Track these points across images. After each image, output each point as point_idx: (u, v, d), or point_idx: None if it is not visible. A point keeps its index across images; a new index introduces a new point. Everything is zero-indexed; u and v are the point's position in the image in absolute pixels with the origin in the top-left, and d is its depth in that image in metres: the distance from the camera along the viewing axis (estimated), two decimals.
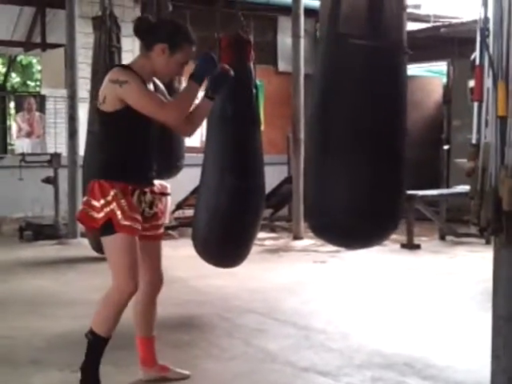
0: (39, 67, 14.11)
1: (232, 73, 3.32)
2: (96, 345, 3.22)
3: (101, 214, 3.12)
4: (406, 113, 3.42)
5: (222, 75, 3.29)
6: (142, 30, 3.25)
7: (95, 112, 3.28)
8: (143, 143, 3.26)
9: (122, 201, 3.13)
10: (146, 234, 3.29)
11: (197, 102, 3.31)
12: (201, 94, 3.27)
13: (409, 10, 4.45)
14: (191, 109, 3.25)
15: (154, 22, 3.31)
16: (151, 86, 3.26)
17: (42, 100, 9.94)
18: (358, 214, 3.30)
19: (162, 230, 3.44)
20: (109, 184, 3.14)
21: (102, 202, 3.12)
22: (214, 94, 3.30)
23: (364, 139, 3.27)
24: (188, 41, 3.22)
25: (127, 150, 3.22)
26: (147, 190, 3.28)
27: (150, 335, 3.47)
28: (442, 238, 8.42)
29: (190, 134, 3.50)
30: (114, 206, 3.12)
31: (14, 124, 10.29)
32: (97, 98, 3.24)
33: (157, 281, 3.44)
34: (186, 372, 3.56)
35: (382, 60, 3.28)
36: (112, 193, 3.12)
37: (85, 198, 3.22)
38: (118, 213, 3.11)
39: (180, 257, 6.28)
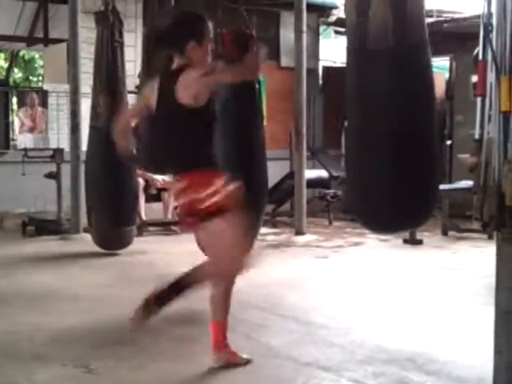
0: (41, 62, 14.09)
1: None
2: (181, 288, 3.41)
3: (212, 201, 3.25)
4: (435, 110, 3.51)
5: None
6: (162, 39, 3.44)
7: (176, 110, 3.35)
8: (211, 132, 3.45)
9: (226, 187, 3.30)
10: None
11: None
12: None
13: None
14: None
15: (167, 26, 3.41)
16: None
17: (44, 95, 9.93)
18: (397, 205, 3.40)
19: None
20: (211, 171, 3.31)
21: (210, 190, 3.26)
22: None
23: (399, 140, 3.34)
24: (206, 24, 3.38)
25: (209, 140, 3.41)
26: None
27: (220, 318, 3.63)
28: (445, 233, 8.41)
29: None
30: (222, 192, 3.27)
31: (16, 119, 10.29)
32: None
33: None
34: (248, 357, 3.69)
35: (412, 65, 3.33)
36: (219, 182, 3.28)
37: (187, 194, 3.32)
38: (229, 194, 3.29)
39: (182, 252, 6.28)
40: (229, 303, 3.62)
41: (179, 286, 3.41)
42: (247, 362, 3.66)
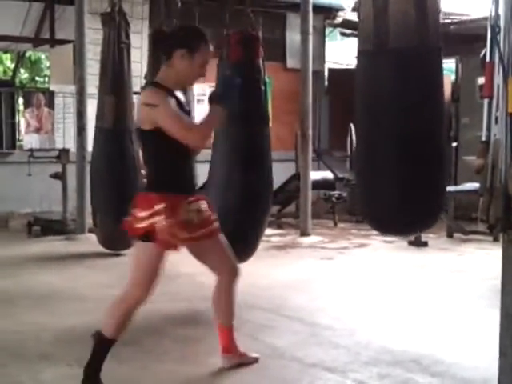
0: (48, 63, 14.13)
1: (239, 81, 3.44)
2: (101, 346, 3.28)
3: (143, 224, 3.19)
4: (444, 113, 3.51)
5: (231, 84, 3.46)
6: (158, 41, 3.40)
7: (136, 132, 3.38)
8: (184, 155, 3.32)
9: (169, 215, 3.18)
10: (200, 232, 3.35)
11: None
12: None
13: None
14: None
15: (168, 31, 3.44)
16: (179, 94, 3.33)
17: (50, 96, 9.95)
18: (404, 208, 3.41)
19: (216, 225, 3.47)
20: (158, 197, 3.20)
21: (148, 213, 3.19)
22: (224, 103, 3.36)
23: (410, 142, 3.33)
24: (204, 41, 3.30)
25: (172, 163, 3.30)
26: (193, 198, 3.35)
27: (229, 324, 3.61)
28: (450, 235, 8.40)
29: (202, 145, 3.40)
30: (158, 218, 3.17)
31: (22, 120, 10.31)
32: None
33: (230, 271, 3.53)
34: (257, 355, 3.74)
35: (427, 66, 3.31)
36: (160, 206, 3.18)
37: (133, 210, 3.27)
38: (162, 226, 3.16)
39: (187, 252, 6.28)
40: (228, 307, 3.59)
41: (102, 342, 3.29)
42: (256, 359, 3.72)
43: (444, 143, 3.52)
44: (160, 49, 3.38)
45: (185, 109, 3.37)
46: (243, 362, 3.67)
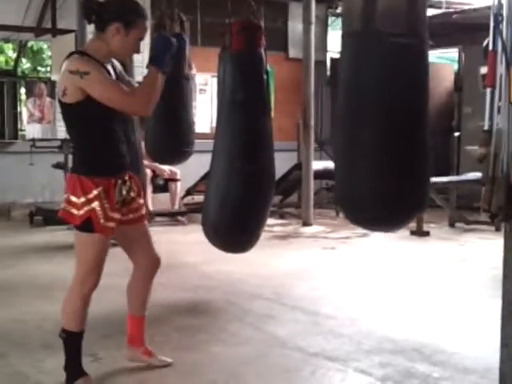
0: (50, 53, 14.10)
1: (173, 40, 3.15)
2: (71, 341, 3.22)
3: (81, 212, 3.06)
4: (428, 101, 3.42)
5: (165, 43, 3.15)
6: (90, 12, 3.07)
7: (59, 105, 3.13)
8: (112, 130, 3.15)
9: (105, 201, 3.07)
10: (129, 217, 3.25)
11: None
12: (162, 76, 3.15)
13: None
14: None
15: (101, 1, 3.13)
16: (110, 68, 3.14)
17: (52, 85, 9.94)
18: (385, 199, 3.33)
19: (143, 211, 3.36)
20: (91, 181, 3.05)
21: (83, 199, 3.05)
22: (162, 64, 3.13)
23: (394, 132, 3.26)
24: (141, 16, 3.11)
25: (104, 140, 3.13)
26: (126, 177, 3.22)
27: (140, 314, 3.47)
28: (452, 225, 8.40)
29: (146, 111, 3.24)
30: (95, 204, 3.05)
31: (24, 109, 10.31)
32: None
33: (151, 262, 3.40)
34: (169, 360, 3.53)
35: (415, 55, 3.25)
36: (95, 192, 3.05)
37: (65, 196, 3.13)
38: (100, 213, 3.06)
39: (189, 242, 6.31)
40: (145, 298, 3.45)
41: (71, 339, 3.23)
42: (167, 365, 3.51)
43: (427, 135, 3.44)
44: (92, 20, 3.07)
45: (126, 79, 3.22)
46: (150, 362, 3.49)
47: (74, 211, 3.08)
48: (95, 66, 2.99)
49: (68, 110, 3.08)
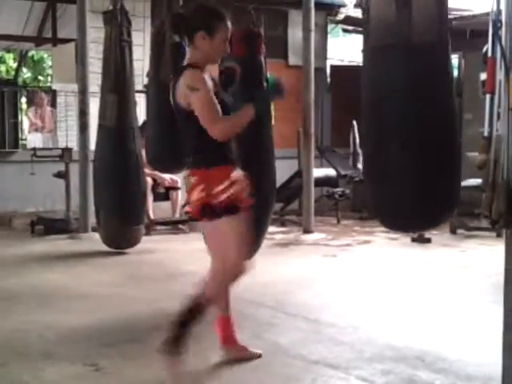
0: (50, 62, 14.13)
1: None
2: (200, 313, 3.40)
3: (222, 197, 3.27)
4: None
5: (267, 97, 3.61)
6: (177, 26, 3.45)
7: (175, 108, 3.39)
8: None
9: (237, 184, 3.32)
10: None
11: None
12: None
13: None
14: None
15: (185, 14, 3.46)
16: (207, 78, 3.38)
17: (53, 95, 9.96)
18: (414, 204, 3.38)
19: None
20: (223, 170, 3.31)
21: (221, 187, 3.27)
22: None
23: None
24: (221, 19, 3.37)
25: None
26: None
27: (225, 314, 3.70)
28: (453, 231, 8.39)
29: (223, 138, 3.41)
30: (236, 186, 3.30)
31: (25, 119, 10.33)
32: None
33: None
34: (258, 351, 3.74)
35: (443, 61, 3.29)
36: (232, 177, 3.31)
37: (201, 187, 3.30)
38: (240, 190, 3.32)
39: (191, 251, 6.30)
40: (228, 298, 3.67)
41: (194, 312, 3.41)
42: (259, 355, 3.72)
43: (458, 139, 3.46)
44: (181, 33, 3.49)
45: (219, 96, 3.41)
46: (243, 356, 3.69)
47: (215, 200, 3.27)
48: (205, 84, 3.28)
49: (186, 113, 3.33)
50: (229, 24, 3.40)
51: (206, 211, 3.31)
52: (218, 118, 3.31)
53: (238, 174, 3.38)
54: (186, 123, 3.41)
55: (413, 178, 3.33)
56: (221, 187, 3.27)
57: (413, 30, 3.22)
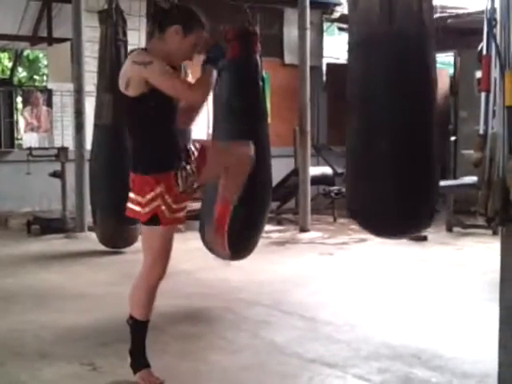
0: (46, 61, 14.11)
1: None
2: (136, 329, 3.37)
3: (146, 210, 3.23)
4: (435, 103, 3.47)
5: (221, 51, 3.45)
6: (157, 13, 3.37)
7: (120, 99, 3.28)
8: (171, 123, 3.30)
9: (166, 196, 3.21)
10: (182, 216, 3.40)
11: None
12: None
13: None
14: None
15: (168, 6, 3.39)
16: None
17: (48, 94, 9.94)
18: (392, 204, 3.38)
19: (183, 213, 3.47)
20: (153, 179, 3.21)
21: (148, 197, 3.21)
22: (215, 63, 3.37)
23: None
24: (201, 25, 3.32)
25: (159, 134, 3.26)
26: (184, 164, 3.32)
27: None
28: (449, 229, 8.40)
29: (202, 102, 3.40)
30: (159, 201, 3.21)
31: (21, 118, 10.31)
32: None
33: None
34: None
35: (426, 52, 3.30)
36: (158, 190, 3.20)
37: (131, 195, 3.30)
38: (164, 208, 3.22)
39: (187, 249, 6.30)
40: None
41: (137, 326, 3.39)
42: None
43: (435, 135, 3.48)
44: (157, 20, 3.34)
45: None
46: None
47: (140, 209, 3.25)
48: (158, 58, 3.15)
49: (130, 104, 3.22)
50: (205, 34, 3.32)
51: (136, 213, 3.30)
52: (188, 82, 3.28)
53: (162, 186, 3.21)
54: (126, 117, 3.33)
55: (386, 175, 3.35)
56: (148, 197, 3.21)
57: (394, 24, 3.21)
